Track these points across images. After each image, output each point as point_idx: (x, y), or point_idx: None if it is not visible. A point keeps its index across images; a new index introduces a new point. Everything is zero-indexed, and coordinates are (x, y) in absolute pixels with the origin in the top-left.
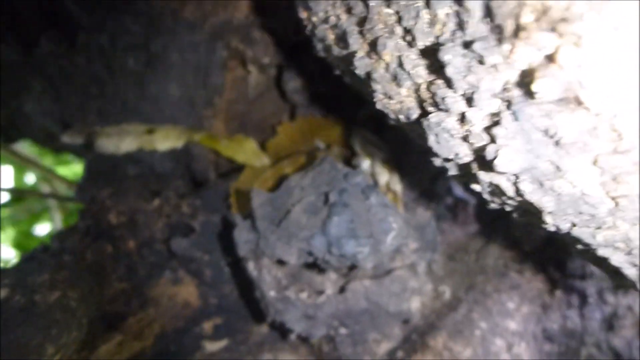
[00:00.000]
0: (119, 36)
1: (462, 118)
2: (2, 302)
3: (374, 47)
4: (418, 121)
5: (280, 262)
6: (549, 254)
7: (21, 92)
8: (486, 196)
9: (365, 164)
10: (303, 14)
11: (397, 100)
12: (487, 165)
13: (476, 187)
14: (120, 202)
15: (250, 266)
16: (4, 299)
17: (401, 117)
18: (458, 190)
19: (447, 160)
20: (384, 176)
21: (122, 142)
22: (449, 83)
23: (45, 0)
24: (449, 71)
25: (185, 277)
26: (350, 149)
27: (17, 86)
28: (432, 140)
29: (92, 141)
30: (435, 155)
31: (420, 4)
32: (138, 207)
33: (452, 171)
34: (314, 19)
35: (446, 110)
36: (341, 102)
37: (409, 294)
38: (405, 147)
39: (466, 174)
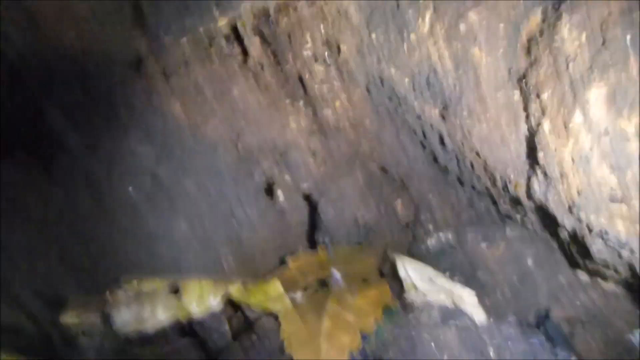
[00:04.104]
0: (119, 159)
1: None
2: None
3: None
4: None
5: None
6: None
7: None
8: None
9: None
10: None
11: None
12: None
13: None
14: None
15: None
16: None
17: None
18: None
19: None
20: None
21: (147, 311)
22: None
23: (16, 113)
24: None
25: None
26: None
27: None
28: None
29: (108, 315)
30: None
31: None
32: None
33: None
34: None
35: None
36: (381, 231)
37: None
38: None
39: None
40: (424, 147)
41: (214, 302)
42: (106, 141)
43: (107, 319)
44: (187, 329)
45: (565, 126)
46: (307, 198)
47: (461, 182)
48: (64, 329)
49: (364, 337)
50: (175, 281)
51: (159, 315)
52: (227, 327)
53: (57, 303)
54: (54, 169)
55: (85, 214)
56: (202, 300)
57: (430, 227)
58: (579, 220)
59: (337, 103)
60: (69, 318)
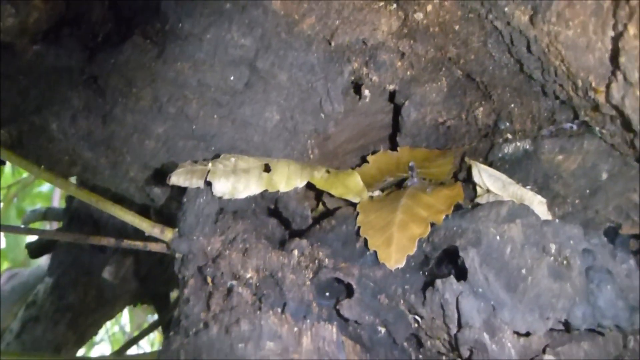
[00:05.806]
0: (222, 49)
1: None
2: None
3: None
4: None
5: (518, 333)
6: None
7: (46, 106)
8: None
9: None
10: None
11: None
12: None
13: None
14: (248, 254)
15: (486, 339)
16: None
17: None
18: None
19: None
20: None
21: (241, 184)
22: None
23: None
24: None
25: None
26: (473, 186)
27: (40, 97)
28: None
29: (209, 183)
30: None
31: None
32: (275, 261)
33: None
34: None
35: None
36: (460, 137)
37: None
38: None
39: None
40: (510, 54)
41: (301, 184)
42: (212, 31)
43: (208, 186)
44: (273, 210)
45: None
46: (392, 100)
47: (544, 93)
48: (170, 196)
49: (433, 228)
50: (268, 162)
51: (251, 187)
52: (309, 212)
53: (162, 176)
54: (165, 53)
55: (191, 97)
56: (290, 181)
57: (509, 136)
58: None
59: (429, 7)
60: (177, 181)
